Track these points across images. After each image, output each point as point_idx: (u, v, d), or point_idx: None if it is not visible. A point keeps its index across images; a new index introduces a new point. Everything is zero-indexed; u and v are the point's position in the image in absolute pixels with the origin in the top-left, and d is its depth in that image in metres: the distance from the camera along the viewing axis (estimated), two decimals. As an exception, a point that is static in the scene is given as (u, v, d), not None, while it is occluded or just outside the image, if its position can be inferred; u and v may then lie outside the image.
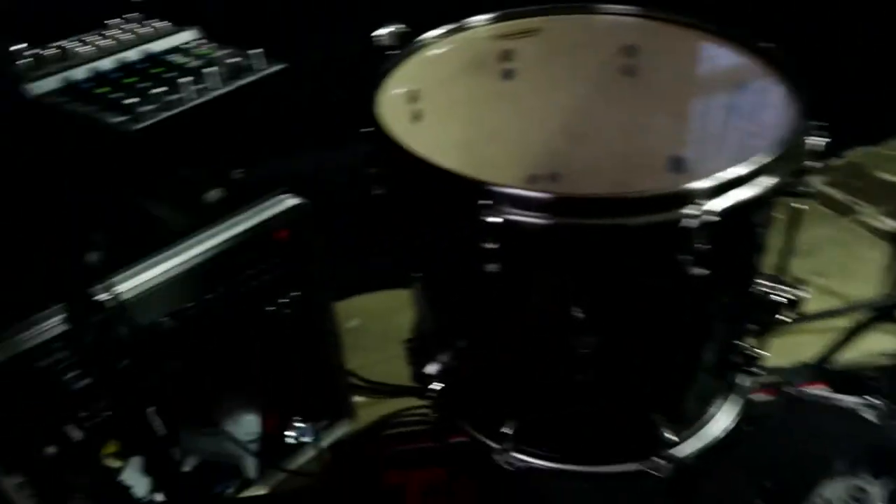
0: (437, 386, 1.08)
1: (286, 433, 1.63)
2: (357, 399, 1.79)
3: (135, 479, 1.37)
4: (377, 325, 2.08)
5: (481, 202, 0.80)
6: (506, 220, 0.80)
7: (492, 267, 0.84)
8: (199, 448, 1.62)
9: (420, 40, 1.12)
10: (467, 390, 1.09)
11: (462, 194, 0.82)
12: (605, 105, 1.23)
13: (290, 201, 1.39)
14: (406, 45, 1.09)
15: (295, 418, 1.64)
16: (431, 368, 1.08)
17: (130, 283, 1.21)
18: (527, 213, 0.80)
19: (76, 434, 1.21)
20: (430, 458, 1.53)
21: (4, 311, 1.11)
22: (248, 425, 1.60)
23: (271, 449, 1.63)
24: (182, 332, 1.30)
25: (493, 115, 1.21)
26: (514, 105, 1.21)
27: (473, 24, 1.17)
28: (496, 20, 1.18)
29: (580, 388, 0.96)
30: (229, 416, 1.62)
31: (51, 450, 1.19)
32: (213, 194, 1.40)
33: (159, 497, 1.42)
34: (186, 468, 1.63)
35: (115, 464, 1.53)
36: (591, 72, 1.21)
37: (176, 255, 1.27)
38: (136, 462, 1.37)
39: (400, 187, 0.95)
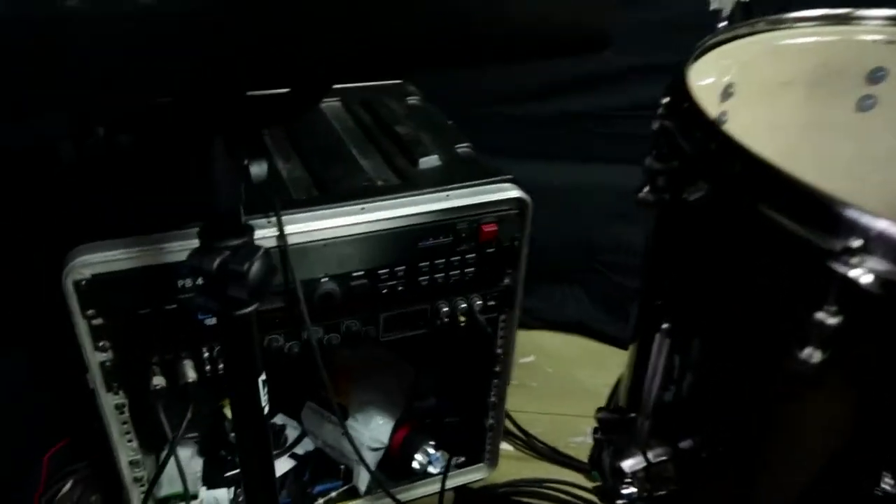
0: (630, 491, 0.76)
1: (415, 455, 1.38)
2: (505, 446, 1.49)
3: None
4: (553, 371, 1.77)
5: (847, 242, 0.47)
6: (878, 277, 0.46)
7: (821, 345, 0.50)
8: (317, 433, 1.42)
9: (777, 19, 0.80)
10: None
11: (815, 220, 0.49)
12: None
13: (513, 192, 1.13)
14: (747, 18, 0.77)
15: (430, 442, 1.38)
16: (632, 463, 0.76)
17: (295, 228, 1.01)
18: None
19: (192, 374, 1.04)
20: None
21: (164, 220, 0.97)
22: (377, 431, 1.37)
23: (391, 466, 1.38)
24: (340, 299, 1.08)
25: (831, 146, 0.85)
26: (862, 142, 0.84)
27: (862, 17, 0.82)
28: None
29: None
30: (362, 413, 1.39)
31: (160, 381, 1.02)
32: (428, 161, 1.18)
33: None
34: (297, 449, 1.43)
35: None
36: None
37: (358, 212, 1.05)
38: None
39: (704, 192, 0.62)
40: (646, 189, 0.70)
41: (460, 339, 1.24)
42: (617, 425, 0.87)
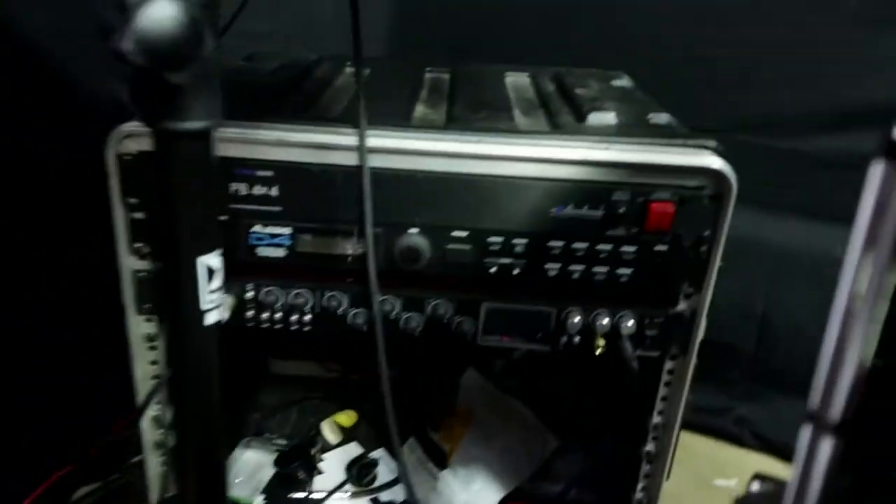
0: None
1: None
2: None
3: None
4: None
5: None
6: None
7: None
8: (413, 479, 1.09)
9: None
10: None
11: None
12: None
13: (709, 161, 0.75)
14: None
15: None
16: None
17: (381, 143, 0.76)
18: None
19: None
20: None
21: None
22: (475, 497, 1.01)
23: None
24: (429, 262, 0.79)
25: None
26: None
27: None
28: None
29: None
30: (465, 468, 1.04)
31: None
32: (600, 117, 0.85)
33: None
34: (382, 495, 1.11)
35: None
36: None
37: (468, 141, 0.77)
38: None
39: None
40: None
41: (597, 380, 0.85)
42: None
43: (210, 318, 0.53)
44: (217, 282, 0.53)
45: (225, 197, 0.77)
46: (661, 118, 0.88)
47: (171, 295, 0.52)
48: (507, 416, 1.12)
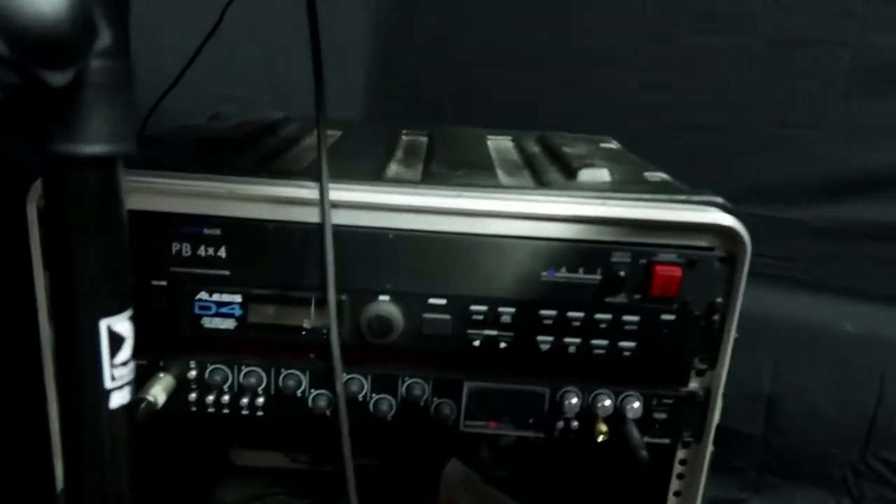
0: None
1: None
2: None
3: None
4: None
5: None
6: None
7: None
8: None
9: None
10: None
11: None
12: None
13: (723, 218, 0.66)
14: None
15: None
16: None
17: (346, 197, 0.66)
18: None
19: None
20: None
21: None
22: None
23: None
24: (403, 334, 0.68)
25: None
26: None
27: None
28: None
29: None
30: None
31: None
32: (593, 173, 0.76)
33: None
34: None
35: None
36: None
37: (445, 196, 0.67)
38: None
39: None
40: None
41: (599, 471, 0.73)
42: None
43: (116, 400, 0.42)
44: (126, 352, 0.42)
45: (165, 259, 0.67)
46: (659, 176, 0.80)
47: (63, 369, 0.41)
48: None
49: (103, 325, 0.40)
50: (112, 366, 0.41)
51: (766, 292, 1.18)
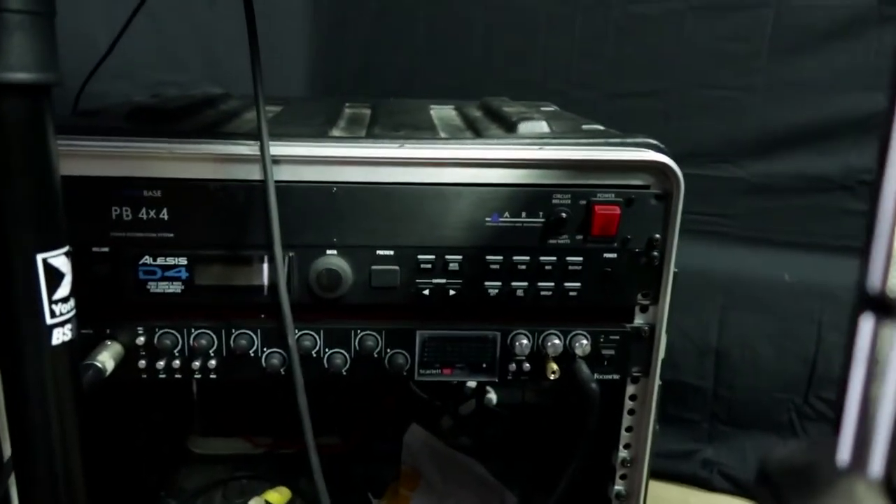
0: None
1: None
2: None
3: None
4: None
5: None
6: None
7: None
8: None
9: None
10: None
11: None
12: None
13: (654, 156, 0.69)
14: None
15: None
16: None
17: (286, 151, 0.67)
18: None
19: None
20: None
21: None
22: None
23: None
24: (352, 287, 0.68)
25: None
26: None
27: None
28: None
29: None
30: None
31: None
32: (532, 126, 0.78)
33: None
34: None
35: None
36: None
37: (386, 147, 0.68)
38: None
39: None
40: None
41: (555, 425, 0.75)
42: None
43: (58, 336, 0.41)
44: (65, 289, 0.42)
45: (105, 225, 0.66)
46: (595, 127, 0.82)
47: (1, 304, 0.40)
48: (459, 475, 0.99)
49: (39, 259, 0.40)
50: (52, 301, 0.41)
51: (709, 249, 1.22)
